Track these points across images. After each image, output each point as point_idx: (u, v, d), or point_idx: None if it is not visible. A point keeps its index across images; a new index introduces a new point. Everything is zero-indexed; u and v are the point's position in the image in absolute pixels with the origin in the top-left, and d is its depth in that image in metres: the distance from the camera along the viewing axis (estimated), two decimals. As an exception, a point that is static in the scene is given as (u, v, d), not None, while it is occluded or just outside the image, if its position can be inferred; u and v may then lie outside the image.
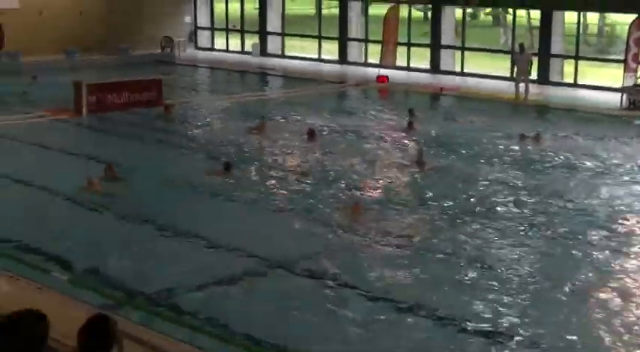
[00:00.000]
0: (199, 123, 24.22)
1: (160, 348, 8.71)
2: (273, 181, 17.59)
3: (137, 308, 10.65)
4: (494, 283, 11.97)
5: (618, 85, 28.23)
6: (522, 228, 14.63)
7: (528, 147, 21.18)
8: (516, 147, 21.17)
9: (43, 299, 9.99)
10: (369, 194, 16.85)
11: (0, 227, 14.06)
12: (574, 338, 10.33)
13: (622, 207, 16.10)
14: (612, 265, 12.96)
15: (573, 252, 13.48)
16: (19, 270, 11.59)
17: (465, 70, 34.47)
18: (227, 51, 42.45)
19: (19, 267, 11.79)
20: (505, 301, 11.32)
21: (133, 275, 12.02)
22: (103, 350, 5.49)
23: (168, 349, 8.76)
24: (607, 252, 13.50)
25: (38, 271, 11.74)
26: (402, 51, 34.99)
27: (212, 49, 43.16)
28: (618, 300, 11.54)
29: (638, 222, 15.18)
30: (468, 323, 10.56)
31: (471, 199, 16.46)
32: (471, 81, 32.76)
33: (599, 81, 31.68)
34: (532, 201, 16.51)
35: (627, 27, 29.09)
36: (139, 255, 12.94)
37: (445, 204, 15.98)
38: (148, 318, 10.18)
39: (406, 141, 21.61)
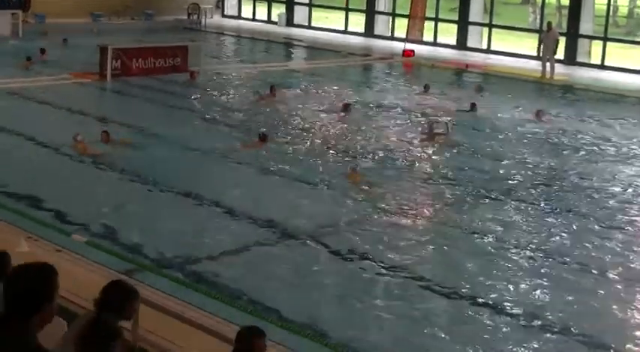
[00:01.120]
0: (223, 91, 24.19)
1: (175, 313, 8.78)
2: (296, 151, 17.54)
3: (154, 272, 10.69)
4: (507, 261, 11.98)
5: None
6: (537, 206, 14.61)
7: (542, 123, 21.10)
8: (535, 126, 21.05)
9: (62, 261, 10.03)
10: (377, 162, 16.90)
11: (12, 184, 14.12)
12: (589, 316, 10.34)
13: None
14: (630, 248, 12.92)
15: (586, 230, 13.48)
16: (36, 230, 11.64)
17: (491, 48, 34.29)
18: (253, 19, 42.40)
19: (38, 227, 11.84)
20: (519, 281, 11.32)
21: (133, 236, 12.10)
22: (117, 313, 5.66)
23: (183, 314, 8.82)
24: (623, 233, 13.48)
25: (57, 232, 11.79)
26: (429, 26, 34.84)
27: (239, 17, 43.12)
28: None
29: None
30: (478, 298, 10.58)
31: (486, 175, 16.47)
32: (497, 58, 32.59)
33: (626, 63, 31.44)
34: (547, 179, 16.50)
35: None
36: (150, 219, 13.01)
37: (457, 179, 16.02)
38: (164, 283, 10.21)
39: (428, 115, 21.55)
